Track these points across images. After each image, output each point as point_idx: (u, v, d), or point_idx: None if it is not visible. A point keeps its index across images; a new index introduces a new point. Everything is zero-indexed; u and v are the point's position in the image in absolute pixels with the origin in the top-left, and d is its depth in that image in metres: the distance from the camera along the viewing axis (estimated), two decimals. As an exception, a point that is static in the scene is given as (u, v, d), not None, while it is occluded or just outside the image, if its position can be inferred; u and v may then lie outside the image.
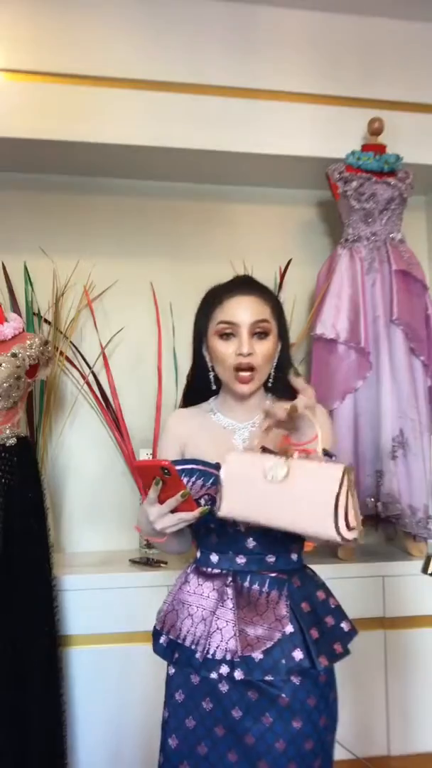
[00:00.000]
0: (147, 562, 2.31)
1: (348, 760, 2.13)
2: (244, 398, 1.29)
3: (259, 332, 1.24)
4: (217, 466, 1.19)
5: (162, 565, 2.28)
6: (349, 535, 1.01)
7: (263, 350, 1.24)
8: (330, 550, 2.40)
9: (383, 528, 2.50)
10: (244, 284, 1.31)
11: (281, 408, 1.06)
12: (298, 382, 1.12)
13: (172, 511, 1.13)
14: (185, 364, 2.59)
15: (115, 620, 2.14)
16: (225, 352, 1.24)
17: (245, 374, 1.23)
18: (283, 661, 1.16)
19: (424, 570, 0.79)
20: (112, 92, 2.43)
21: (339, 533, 1.00)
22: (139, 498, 2.54)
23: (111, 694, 2.12)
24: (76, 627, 2.11)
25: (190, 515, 1.13)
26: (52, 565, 2.02)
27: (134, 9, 2.48)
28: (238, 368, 1.23)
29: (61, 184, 2.70)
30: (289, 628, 1.18)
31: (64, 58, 2.40)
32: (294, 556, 1.28)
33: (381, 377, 2.41)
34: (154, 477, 1.10)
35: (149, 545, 2.48)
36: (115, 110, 2.42)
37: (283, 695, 1.17)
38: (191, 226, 2.78)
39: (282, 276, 2.71)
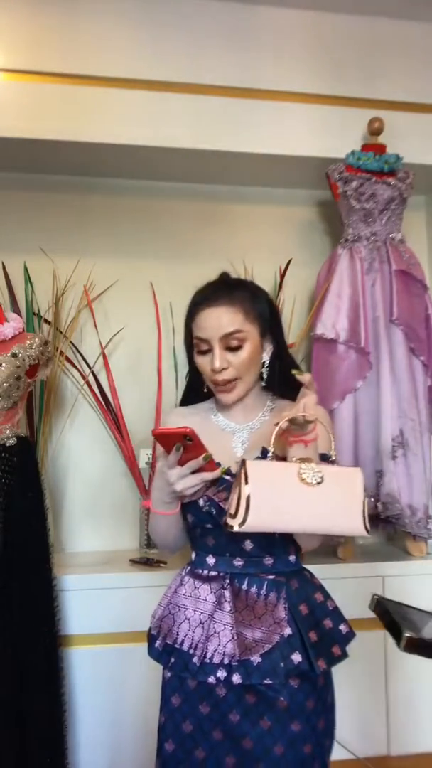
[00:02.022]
0: (147, 562, 2.31)
1: (348, 760, 2.13)
2: (232, 405, 1.29)
3: (232, 345, 1.21)
4: (229, 472, 1.20)
5: (162, 565, 2.28)
6: (367, 530, 1.10)
7: (239, 360, 1.22)
8: (330, 550, 2.40)
9: (383, 528, 2.50)
10: (215, 292, 1.26)
11: (301, 413, 1.08)
12: (304, 377, 1.12)
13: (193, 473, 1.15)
14: (185, 364, 2.61)
15: (115, 620, 2.14)
16: (204, 366, 1.25)
17: (225, 386, 1.23)
18: (282, 664, 1.15)
19: (398, 645, 0.78)
20: (112, 92, 2.43)
21: (366, 529, 1.08)
22: (139, 498, 2.54)
23: (111, 694, 2.12)
24: (76, 627, 2.11)
25: (210, 475, 1.14)
26: (52, 565, 2.02)
27: (134, 9, 2.48)
28: (215, 383, 1.24)
29: (61, 184, 2.70)
30: (288, 631, 1.18)
31: (64, 58, 2.40)
32: (292, 558, 1.27)
33: (381, 377, 2.41)
34: (174, 444, 1.12)
35: (149, 545, 2.48)
36: (115, 110, 2.42)
37: (282, 698, 1.16)
38: (191, 226, 2.78)
39: (282, 276, 2.71)
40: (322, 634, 1.23)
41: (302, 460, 1.09)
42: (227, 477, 1.20)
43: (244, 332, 1.22)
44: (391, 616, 0.84)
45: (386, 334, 2.43)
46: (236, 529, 1.05)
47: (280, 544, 1.23)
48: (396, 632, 0.80)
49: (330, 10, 2.59)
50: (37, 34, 2.39)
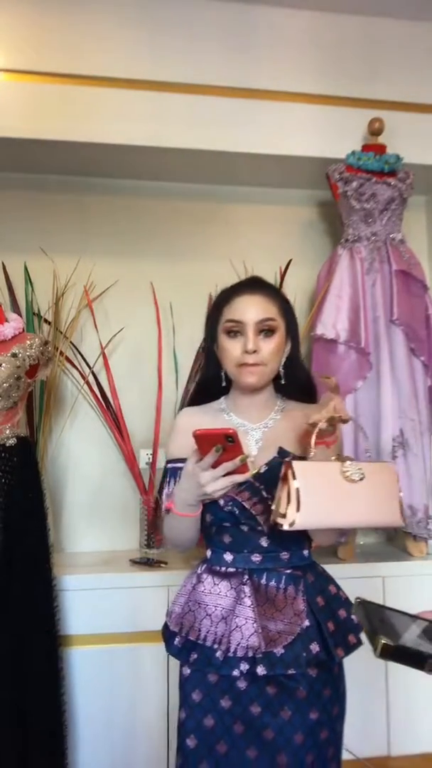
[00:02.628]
0: (147, 562, 2.31)
1: (348, 761, 2.13)
2: (252, 391, 1.31)
3: (265, 330, 1.26)
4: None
5: (162, 565, 2.28)
6: (404, 520, 1.16)
7: (269, 347, 1.26)
8: (331, 550, 2.40)
9: (383, 528, 2.50)
10: (252, 284, 1.34)
11: (337, 414, 1.14)
12: (330, 381, 1.18)
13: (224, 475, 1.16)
14: (185, 364, 2.62)
15: (115, 620, 2.14)
16: (231, 348, 1.27)
17: (251, 367, 1.26)
18: (304, 654, 1.20)
19: (375, 651, 0.77)
20: (112, 92, 2.43)
21: (403, 519, 1.14)
22: (140, 499, 2.54)
23: (111, 694, 2.12)
24: (76, 627, 2.11)
25: (241, 477, 1.15)
26: (52, 565, 2.02)
27: (134, 9, 2.48)
28: (244, 365, 1.25)
29: (61, 184, 2.70)
30: (306, 623, 1.22)
31: (64, 58, 2.40)
32: (306, 552, 1.31)
33: (381, 377, 2.41)
34: (213, 445, 1.11)
35: (149, 545, 2.48)
36: (115, 110, 2.42)
37: (301, 688, 1.22)
38: (191, 226, 2.78)
39: (282, 276, 2.71)
40: (338, 624, 1.28)
41: (341, 458, 1.14)
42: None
43: (277, 322, 1.28)
44: (369, 623, 0.83)
45: (386, 335, 2.43)
46: (287, 527, 1.08)
47: (294, 539, 1.27)
48: (372, 639, 0.79)
49: (330, 10, 2.59)
50: (37, 34, 2.39)
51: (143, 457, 2.55)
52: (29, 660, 1.89)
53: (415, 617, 0.90)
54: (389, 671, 2.26)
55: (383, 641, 0.76)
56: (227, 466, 1.13)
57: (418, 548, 2.42)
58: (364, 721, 2.22)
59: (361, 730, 2.20)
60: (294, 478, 1.09)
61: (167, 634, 1.32)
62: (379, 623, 0.84)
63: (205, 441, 1.12)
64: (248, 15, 2.54)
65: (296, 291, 2.72)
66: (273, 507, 1.14)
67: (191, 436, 1.27)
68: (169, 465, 1.34)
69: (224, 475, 1.14)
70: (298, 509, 1.07)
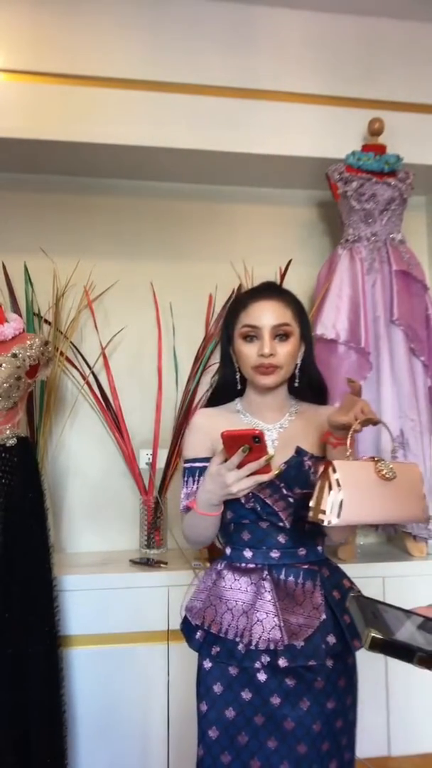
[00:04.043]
0: (147, 562, 2.31)
1: (348, 761, 2.13)
2: (267, 393, 1.36)
3: (280, 334, 1.31)
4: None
5: (162, 565, 2.28)
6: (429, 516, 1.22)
7: (285, 351, 1.31)
8: (331, 551, 2.40)
9: (383, 528, 2.50)
10: (268, 289, 1.38)
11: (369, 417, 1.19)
12: (354, 385, 1.23)
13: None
14: (185, 364, 2.62)
15: (115, 620, 2.14)
16: (248, 353, 1.32)
17: (267, 368, 1.30)
18: (323, 646, 1.25)
19: (364, 644, 0.79)
20: (112, 92, 2.43)
21: (429, 516, 1.20)
22: (140, 499, 2.54)
23: (111, 694, 2.12)
24: (76, 627, 2.11)
25: (265, 477, 1.18)
26: (52, 565, 2.02)
27: (134, 9, 2.48)
28: (260, 366, 1.30)
29: (61, 184, 2.70)
30: (324, 616, 1.27)
31: (64, 58, 2.40)
32: (320, 548, 1.36)
33: (381, 377, 2.41)
34: (240, 445, 1.14)
35: (149, 545, 2.48)
36: (115, 110, 2.42)
37: (319, 678, 1.27)
38: (191, 226, 2.78)
39: (282, 276, 2.71)
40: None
41: (375, 459, 1.19)
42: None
43: (291, 327, 1.33)
44: (362, 617, 0.84)
45: (386, 335, 2.43)
46: (332, 523, 1.13)
47: (310, 536, 1.33)
48: (363, 631, 0.81)
49: (330, 10, 2.59)
50: (37, 34, 2.39)
51: (143, 457, 2.55)
52: (29, 660, 1.89)
53: (409, 613, 0.90)
54: (389, 671, 2.26)
55: (372, 634, 0.77)
56: (252, 466, 1.16)
57: (418, 548, 2.42)
58: (364, 721, 2.21)
59: (361, 730, 2.17)
60: (336, 475, 1.15)
61: (188, 630, 1.36)
62: (372, 617, 0.85)
63: (232, 442, 1.15)
64: (248, 15, 2.54)
65: (296, 291, 2.65)
66: (312, 504, 1.18)
67: (208, 435, 1.33)
68: (187, 465, 1.37)
69: (250, 475, 1.17)
70: (340, 506, 1.13)
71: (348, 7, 2.58)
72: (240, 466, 1.16)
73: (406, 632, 0.82)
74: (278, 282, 2.69)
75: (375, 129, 2.53)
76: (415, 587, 2.27)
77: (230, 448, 1.16)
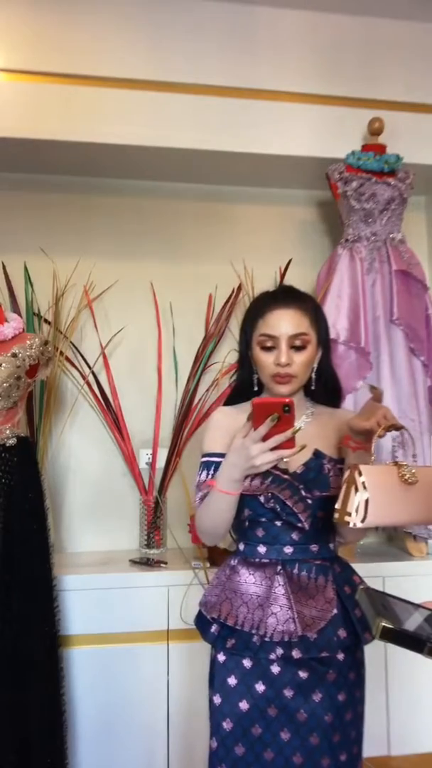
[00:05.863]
0: (147, 562, 2.31)
1: (348, 760, 2.13)
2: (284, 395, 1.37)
3: (297, 345, 1.33)
4: (279, 468, 1.29)
5: (162, 565, 2.28)
6: None
7: (301, 360, 1.33)
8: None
9: (383, 528, 2.50)
10: (286, 296, 1.38)
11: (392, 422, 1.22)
12: (377, 392, 1.26)
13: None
14: (185, 363, 2.62)
15: (115, 620, 2.14)
16: (265, 361, 1.34)
17: (284, 377, 1.32)
18: (335, 639, 1.29)
19: (375, 634, 0.80)
20: (112, 92, 2.43)
21: None
22: (140, 499, 2.54)
23: (111, 694, 2.12)
24: (76, 627, 2.11)
25: (288, 452, 1.19)
26: (52, 565, 2.02)
27: (134, 9, 2.48)
28: (277, 375, 1.32)
29: (61, 184, 2.70)
30: (335, 610, 1.30)
31: (64, 57, 2.40)
32: (332, 545, 1.39)
33: (381, 377, 2.41)
34: (269, 414, 1.16)
35: (149, 545, 2.48)
36: (115, 110, 2.42)
37: (331, 671, 1.30)
38: (191, 226, 2.78)
39: (282, 276, 2.71)
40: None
41: (397, 464, 1.22)
42: (277, 473, 1.30)
43: (308, 336, 1.34)
44: (372, 607, 0.85)
45: (386, 334, 2.43)
46: (357, 525, 1.15)
47: (323, 533, 1.36)
48: (373, 621, 0.82)
49: (330, 10, 2.59)
50: (37, 33, 2.39)
51: (143, 457, 2.55)
52: (29, 660, 1.89)
53: (417, 606, 0.91)
54: (389, 671, 2.26)
55: (383, 624, 0.78)
56: (279, 437, 1.17)
57: (418, 548, 2.42)
58: (364, 720, 2.22)
59: (361, 730, 2.20)
60: (362, 479, 1.17)
61: (202, 624, 1.39)
62: (381, 608, 0.86)
63: (262, 410, 1.17)
64: (249, 15, 2.54)
65: (296, 291, 2.72)
66: (337, 507, 1.19)
67: (227, 431, 1.35)
68: (204, 458, 1.39)
69: (273, 450, 1.19)
70: (366, 508, 1.15)
71: (348, 7, 2.58)
72: (265, 438, 1.18)
73: (415, 624, 0.83)
74: (278, 282, 2.69)
75: (375, 129, 2.53)
76: (415, 587, 2.27)
77: (259, 418, 1.18)
